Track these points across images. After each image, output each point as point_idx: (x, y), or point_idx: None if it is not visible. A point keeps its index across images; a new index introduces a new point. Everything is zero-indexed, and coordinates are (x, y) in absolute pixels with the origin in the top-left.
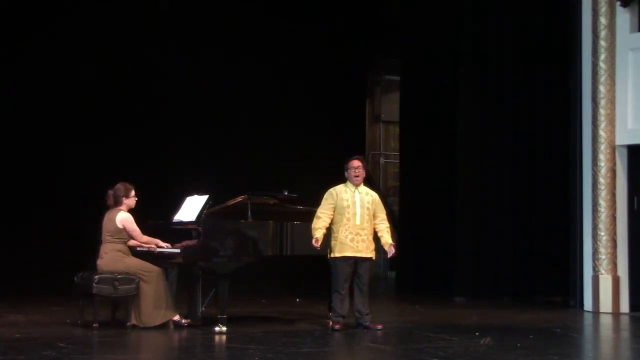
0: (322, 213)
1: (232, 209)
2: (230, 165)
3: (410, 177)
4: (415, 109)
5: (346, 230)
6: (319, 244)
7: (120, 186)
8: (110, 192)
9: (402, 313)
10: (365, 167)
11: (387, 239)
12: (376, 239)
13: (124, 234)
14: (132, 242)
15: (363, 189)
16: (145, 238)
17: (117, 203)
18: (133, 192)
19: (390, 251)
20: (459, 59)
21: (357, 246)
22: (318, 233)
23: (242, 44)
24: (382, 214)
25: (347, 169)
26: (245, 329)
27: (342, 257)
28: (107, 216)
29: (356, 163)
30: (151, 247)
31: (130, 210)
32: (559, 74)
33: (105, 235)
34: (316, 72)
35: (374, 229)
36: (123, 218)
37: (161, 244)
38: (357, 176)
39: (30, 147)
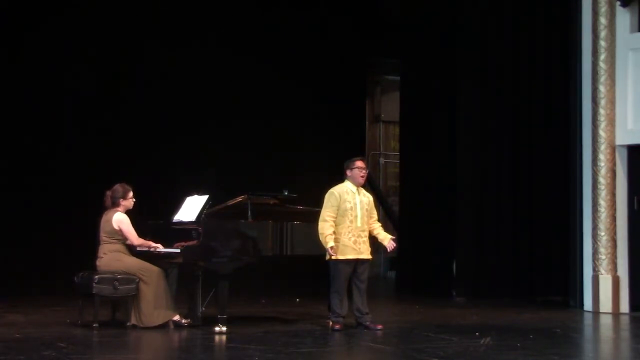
0: (328, 216)
1: (232, 209)
2: (230, 165)
3: (410, 177)
4: (415, 108)
5: (349, 232)
6: (334, 251)
7: (118, 187)
8: (108, 193)
9: (402, 313)
10: (366, 168)
11: (385, 234)
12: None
13: (121, 234)
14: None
15: (361, 190)
16: (140, 241)
17: (115, 204)
18: (131, 194)
19: (391, 245)
20: (458, 59)
21: (359, 248)
22: (331, 240)
23: (242, 44)
24: (375, 215)
25: (351, 169)
26: (245, 329)
27: (344, 260)
28: (104, 217)
29: (363, 164)
30: (151, 247)
31: (129, 211)
32: (559, 74)
33: (103, 236)
34: (316, 72)
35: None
36: (119, 219)
37: (154, 246)
38: (363, 176)
39: (30, 147)
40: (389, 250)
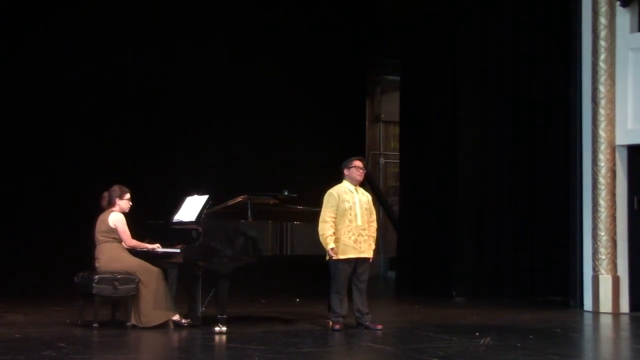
0: (329, 217)
1: (232, 209)
2: (231, 166)
3: (410, 177)
4: (415, 109)
5: (349, 231)
6: (334, 252)
7: (116, 187)
8: (105, 193)
9: (402, 313)
10: (365, 167)
11: (372, 247)
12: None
13: (117, 233)
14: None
15: (359, 189)
16: (134, 242)
17: (111, 204)
18: (128, 195)
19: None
20: (458, 59)
21: (360, 247)
22: (332, 242)
23: (242, 44)
24: (374, 216)
25: (348, 168)
26: (245, 329)
27: (345, 259)
28: (100, 218)
29: (360, 163)
30: (147, 248)
31: (125, 214)
32: (559, 74)
33: (99, 237)
34: (316, 72)
35: None
36: (115, 218)
37: (150, 247)
38: (360, 175)
39: (30, 147)
40: None
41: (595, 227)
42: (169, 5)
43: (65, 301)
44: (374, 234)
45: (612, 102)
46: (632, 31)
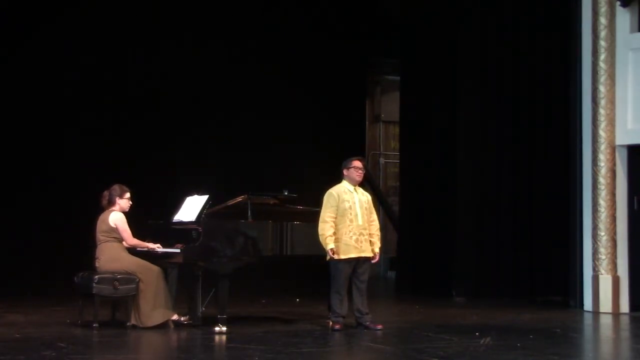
0: (329, 217)
1: (232, 209)
2: (230, 166)
3: (410, 177)
4: (415, 109)
5: (350, 231)
6: (334, 252)
7: (116, 186)
8: (106, 192)
9: (402, 313)
10: (365, 168)
11: (376, 245)
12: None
13: (118, 233)
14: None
15: (359, 189)
16: (135, 241)
17: (111, 203)
18: (128, 195)
19: (374, 258)
20: (458, 59)
21: (361, 246)
22: (331, 242)
23: (242, 44)
24: (374, 215)
25: (348, 168)
26: (245, 329)
27: (346, 259)
28: (100, 217)
29: (359, 163)
30: (147, 248)
31: (125, 213)
32: (559, 74)
33: (100, 236)
34: (316, 72)
35: None
36: (116, 217)
37: (151, 246)
38: (359, 175)
39: (30, 146)
40: (371, 261)
41: (595, 227)
42: (169, 6)
43: (65, 301)
44: (377, 233)
45: (612, 102)
46: (632, 31)
